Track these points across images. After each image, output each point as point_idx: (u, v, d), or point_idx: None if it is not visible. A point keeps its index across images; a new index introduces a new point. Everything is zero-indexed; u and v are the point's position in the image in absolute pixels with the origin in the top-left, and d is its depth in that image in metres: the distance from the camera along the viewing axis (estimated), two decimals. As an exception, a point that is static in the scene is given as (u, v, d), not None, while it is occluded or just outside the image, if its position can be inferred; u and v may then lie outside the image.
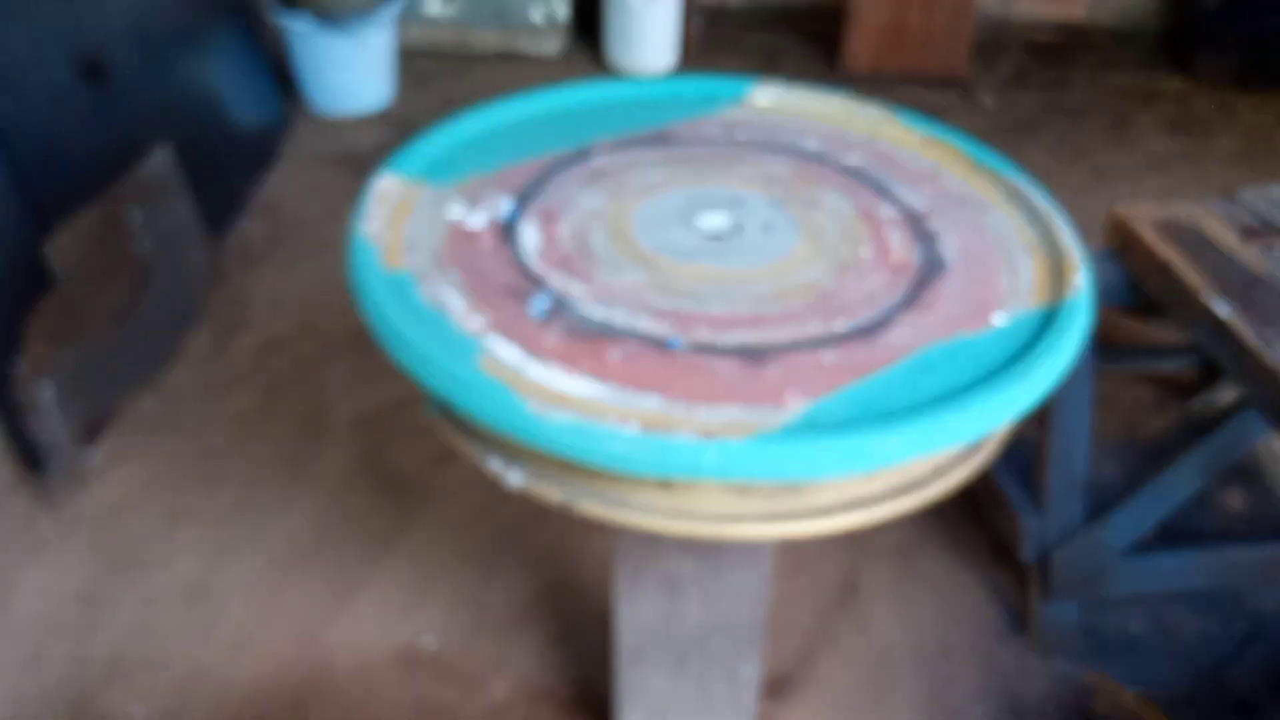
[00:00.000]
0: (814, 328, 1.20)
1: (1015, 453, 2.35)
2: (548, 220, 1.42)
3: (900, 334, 1.19)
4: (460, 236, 1.38)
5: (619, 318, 1.22)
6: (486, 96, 1.70)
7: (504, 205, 1.44)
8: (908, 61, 4.63)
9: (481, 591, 2.21)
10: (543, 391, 1.06)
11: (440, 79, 4.58)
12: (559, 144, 1.60)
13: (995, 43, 5.05)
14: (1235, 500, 2.47)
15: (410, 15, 4.62)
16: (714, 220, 1.42)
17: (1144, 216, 2.02)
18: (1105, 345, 2.77)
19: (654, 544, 1.46)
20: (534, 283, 1.29)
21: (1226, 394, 2.58)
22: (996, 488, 2.15)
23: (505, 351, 1.13)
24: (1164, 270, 1.88)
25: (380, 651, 2.08)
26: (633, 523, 1.13)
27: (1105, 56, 4.96)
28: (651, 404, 1.06)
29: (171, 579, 2.21)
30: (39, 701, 1.96)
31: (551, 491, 1.16)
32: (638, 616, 1.57)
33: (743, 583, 1.52)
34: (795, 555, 2.29)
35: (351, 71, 4.09)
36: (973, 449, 1.21)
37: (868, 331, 1.19)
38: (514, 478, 1.17)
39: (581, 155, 1.57)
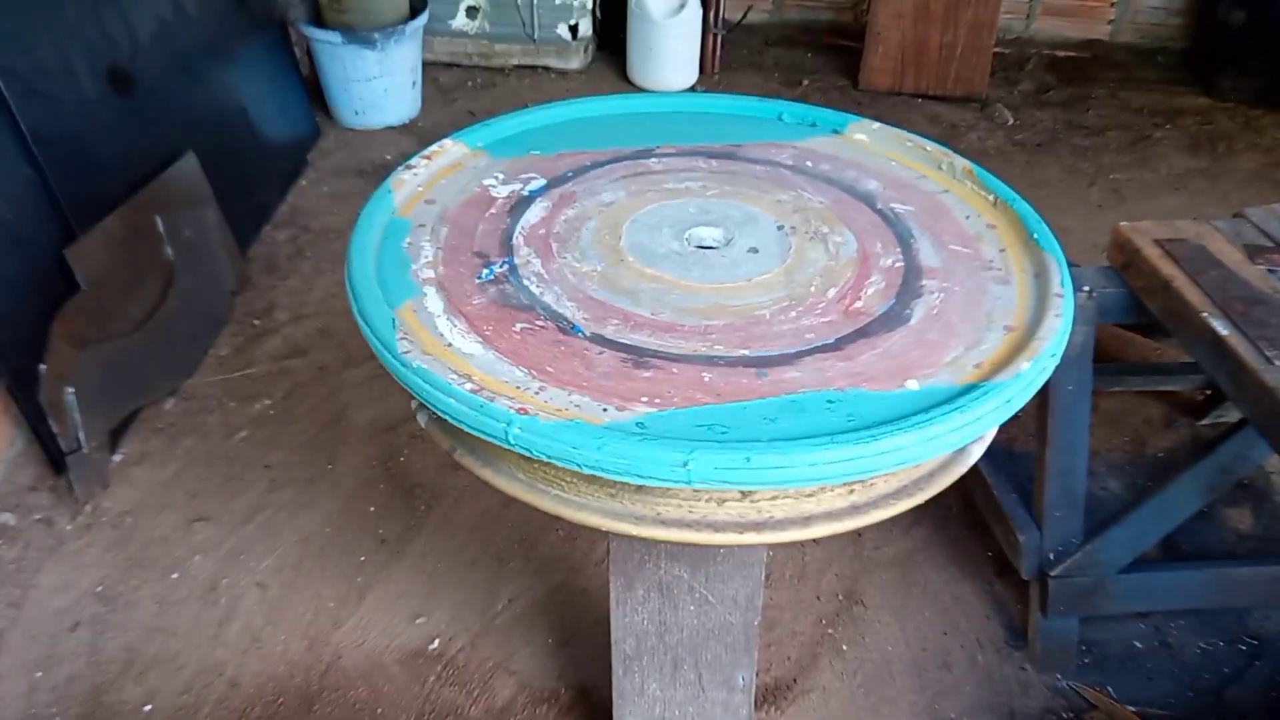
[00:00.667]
0: (717, 348, 1.22)
1: (1016, 467, 2.38)
2: (560, 203, 1.52)
3: (799, 373, 1.17)
4: (477, 201, 1.53)
5: (548, 297, 1.32)
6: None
7: (534, 183, 1.56)
8: (928, 78, 4.65)
9: (488, 596, 2.24)
10: (429, 341, 1.21)
11: (465, 92, 4.64)
12: (629, 142, 1.70)
13: (1016, 60, 5.06)
14: (1242, 519, 2.47)
15: (436, 30, 4.70)
16: (707, 234, 1.47)
17: (1147, 234, 2.03)
18: (1111, 363, 2.80)
19: (648, 551, 1.49)
20: (503, 252, 1.41)
21: (1237, 413, 2.58)
22: (997, 502, 2.16)
23: (432, 303, 1.29)
24: (1165, 288, 1.89)
25: (388, 652, 2.12)
26: (496, 484, 1.22)
27: (1127, 74, 4.96)
28: (513, 375, 1.16)
29: (187, 579, 2.26)
30: (53, 697, 2.01)
31: (442, 439, 1.27)
32: (632, 623, 1.60)
33: (736, 591, 1.55)
34: (796, 564, 2.31)
35: (378, 85, 4.16)
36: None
37: (766, 362, 1.20)
38: (420, 418, 1.28)
39: (641, 154, 1.66)
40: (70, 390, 2.34)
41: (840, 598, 2.25)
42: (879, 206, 1.53)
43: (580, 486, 1.16)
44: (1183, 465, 2.08)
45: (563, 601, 2.24)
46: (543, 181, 1.58)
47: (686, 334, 1.26)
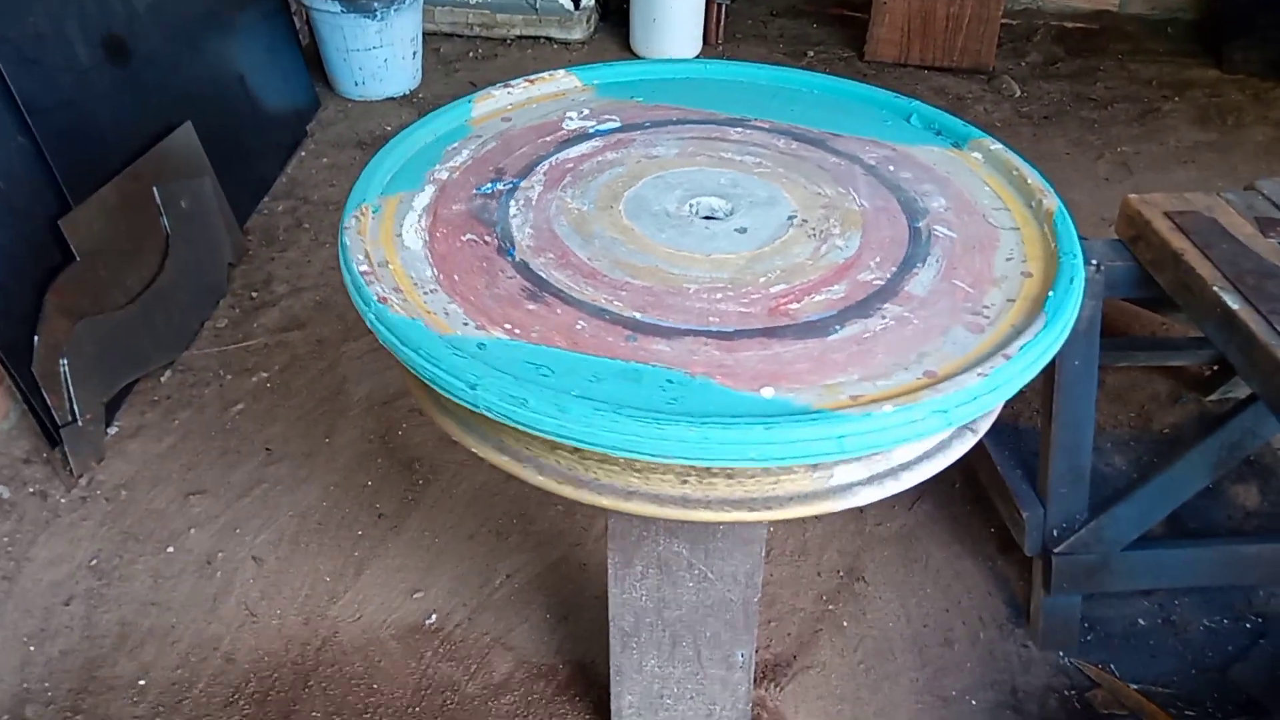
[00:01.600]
0: (615, 303, 1.23)
1: (1020, 443, 2.35)
2: (610, 146, 1.58)
3: (666, 348, 1.15)
4: (544, 128, 1.61)
5: (515, 220, 1.38)
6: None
7: (608, 124, 1.62)
8: (935, 50, 4.59)
9: (486, 570, 2.23)
10: (385, 226, 1.34)
11: (467, 63, 4.60)
12: (729, 109, 1.70)
13: (1024, 31, 5.00)
14: (1249, 496, 2.44)
15: (436, -1, 4.64)
16: (713, 204, 1.45)
17: (1157, 206, 1.99)
18: (1117, 337, 2.76)
19: (646, 527, 1.46)
20: (519, 174, 1.48)
21: (1245, 388, 2.55)
22: (1001, 478, 2.13)
23: (420, 198, 1.41)
24: (1175, 261, 1.86)
25: (384, 627, 2.10)
26: (446, 429, 1.27)
27: (1136, 45, 4.90)
28: (422, 273, 1.26)
29: (182, 552, 2.24)
30: (46, 671, 2.00)
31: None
32: (630, 599, 1.58)
33: (735, 567, 1.52)
34: (797, 540, 2.29)
35: (378, 55, 4.11)
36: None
37: (644, 329, 1.19)
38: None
39: (732, 123, 1.65)
40: (65, 362, 2.32)
41: (841, 574, 2.23)
42: (918, 224, 1.42)
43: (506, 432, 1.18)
44: (1189, 441, 2.05)
45: (561, 576, 2.22)
46: (616, 124, 1.62)
47: (600, 284, 1.27)
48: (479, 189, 1.43)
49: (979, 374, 1.08)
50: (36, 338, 2.27)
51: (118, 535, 2.27)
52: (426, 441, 2.53)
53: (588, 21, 4.78)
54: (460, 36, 4.78)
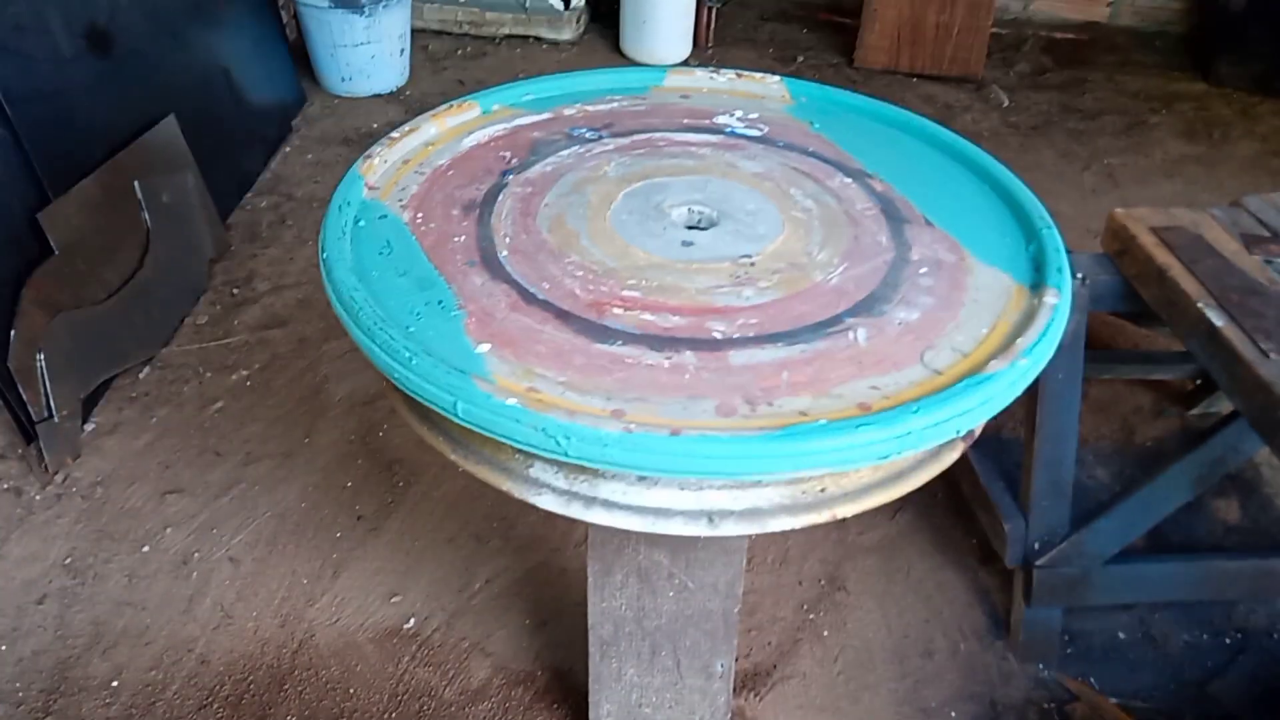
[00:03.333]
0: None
1: (1002, 455, 2.34)
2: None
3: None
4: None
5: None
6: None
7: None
8: (924, 58, 4.59)
9: (465, 575, 2.21)
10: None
11: (455, 61, 4.58)
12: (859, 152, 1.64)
13: (1013, 41, 5.01)
14: (1230, 511, 2.44)
15: (425, -4, 4.62)
16: (694, 208, 1.45)
17: (1143, 221, 1.99)
18: (1101, 350, 2.77)
19: (626, 536, 1.45)
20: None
21: (1228, 403, 2.56)
22: (983, 489, 2.13)
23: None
24: (1160, 276, 1.86)
25: (362, 631, 2.08)
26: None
27: (1125, 58, 4.92)
28: (406, 191, 1.46)
29: (158, 552, 2.22)
30: (17, 671, 1.97)
31: None
32: (610, 608, 1.57)
33: (716, 577, 1.51)
34: (779, 549, 2.28)
35: (365, 51, 4.09)
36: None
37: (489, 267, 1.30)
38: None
39: (846, 170, 1.56)
40: (41, 357, 2.29)
41: (822, 583, 2.22)
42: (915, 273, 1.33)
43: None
44: (1172, 456, 2.05)
45: (541, 582, 2.20)
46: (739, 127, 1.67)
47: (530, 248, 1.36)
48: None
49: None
50: (13, 332, 2.24)
51: (93, 534, 2.24)
52: (407, 443, 2.51)
53: (577, 22, 4.76)
54: (449, 34, 4.76)
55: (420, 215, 1.45)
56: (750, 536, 2.02)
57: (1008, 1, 5.17)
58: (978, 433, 1.20)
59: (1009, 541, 2.04)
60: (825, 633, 2.12)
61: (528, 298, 1.26)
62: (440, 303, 1.25)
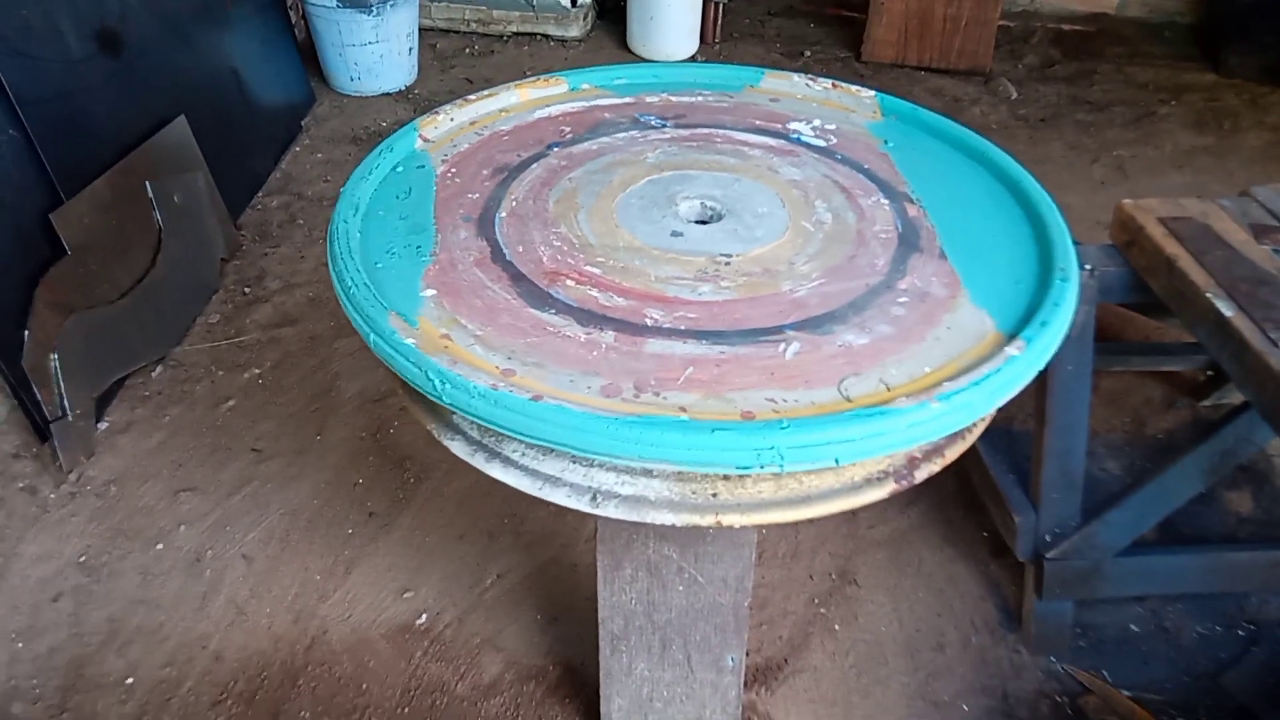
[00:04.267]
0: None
1: (1013, 447, 2.34)
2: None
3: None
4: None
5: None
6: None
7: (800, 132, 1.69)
8: (932, 51, 4.58)
9: (476, 570, 2.22)
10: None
11: (463, 59, 4.58)
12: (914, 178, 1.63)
13: (1021, 33, 5.00)
14: (1243, 502, 2.44)
15: (433, -6, 4.63)
16: (707, 203, 1.46)
17: (1151, 212, 1.99)
18: (1111, 342, 2.76)
19: (635, 530, 1.46)
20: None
21: (1240, 394, 2.55)
22: (993, 482, 2.13)
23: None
24: (1169, 267, 1.85)
25: (374, 627, 2.09)
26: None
27: (1133, 49, 4.90)
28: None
29: (171, 550, 2.23)
30: (33, 668, 1.98)
31: None
32: (620, 602, 1.57)
33: (725, 571, 1.52)
34: (789, 543, 2.28)
35: (373, 50, 4.10)
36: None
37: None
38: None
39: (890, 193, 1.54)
40: (55, 357, 2.30)
41: (833, 577, 2.23)
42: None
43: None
44: (1183, 448, 2.05)
45: (552, 577, 2.21)
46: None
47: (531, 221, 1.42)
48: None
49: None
50: (26, 333, 2.25)
51: (107, 532, 2.26)
52: (418, 439, 2.52)
53: (584, 19, 4.77)
54: (457, 33, 4.77)
55: (453, 170, 1.54)
56: (761, 530, 2.02)
57: (1016, -6, 5.16)
58: (918, 478, 1.15)
59: (1019, 534, 2.03)
60: (836, 626, 2.12)
61: (496, 256, 1.33)
62: (418, 247, 1.36)
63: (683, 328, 1.20)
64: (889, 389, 1.10)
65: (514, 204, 1.46)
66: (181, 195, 2.86)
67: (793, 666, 2.04)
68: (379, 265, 1.31)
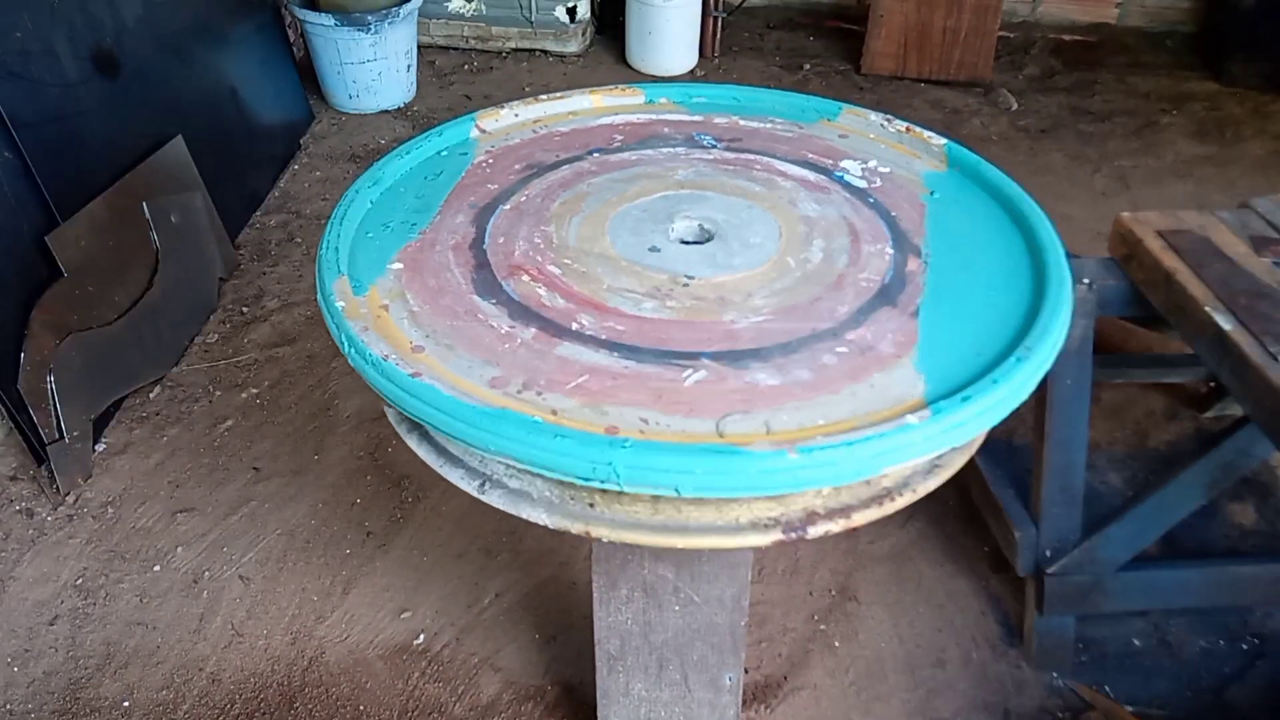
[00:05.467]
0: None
1: (1013, 461, 2.33)
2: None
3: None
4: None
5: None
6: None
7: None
8: (931, 63, 4.58)
9: (474, 590, 2.20)
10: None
11: (462, 76, 4.59)
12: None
13: (1021, 44, 4.99)
14: (1245, 515, 2.42)
15: (432, 12, 4.64)
16: (704, 225, 1.46)
17: (1150, 225, 1.98)
18: (1111, 354, 2.75)
19: (631, 551, 1.45)
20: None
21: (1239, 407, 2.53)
22: (993, 496, 2.11)
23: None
24: (1168, 281, 1.85)
25: (371, 648, 2.08)
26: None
27: (1135, 58, 4.89)
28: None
29: (169, 571, 2.22)
30: (29, 693, 1.98)
31: None
32: (616, 623, 1.56)
33: (721, 590, 1.50)
34: (789, 559, 2.27)
35: (371, 68, 4.11)
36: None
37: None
38: None
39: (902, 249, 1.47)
40: (52, 379, 2.30)
41: (833, 593, 2.21)
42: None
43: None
44: (1184, 461, 2.03)
45: (550, 596, 2.20)
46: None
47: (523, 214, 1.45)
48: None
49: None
50: (23, 354, 2.25)
51: (104, 554, 2.25)
52: (415, 459, 2.49)
53: (583, 34, 4.77)
54: (455, 49, 4.78)
55: (489, 161, 1.60)
56: (756, 550, 2.01)
57: (1015, 4, 5.15)
58: (811, 534, 1.11)
59: (1020, 549, 2.02)
60: (836, 643, 2.11)
61: (475, 244, 1.39)
62: (414, 225, 1.43)
63: (603, 337, 1.21)
64: (768, 432, 1.06)
65: (523, 199, 1.49)
66: (179, 215, 2.86)
67: (792, 684, 2.02)
68: (369, 235, 1.40)
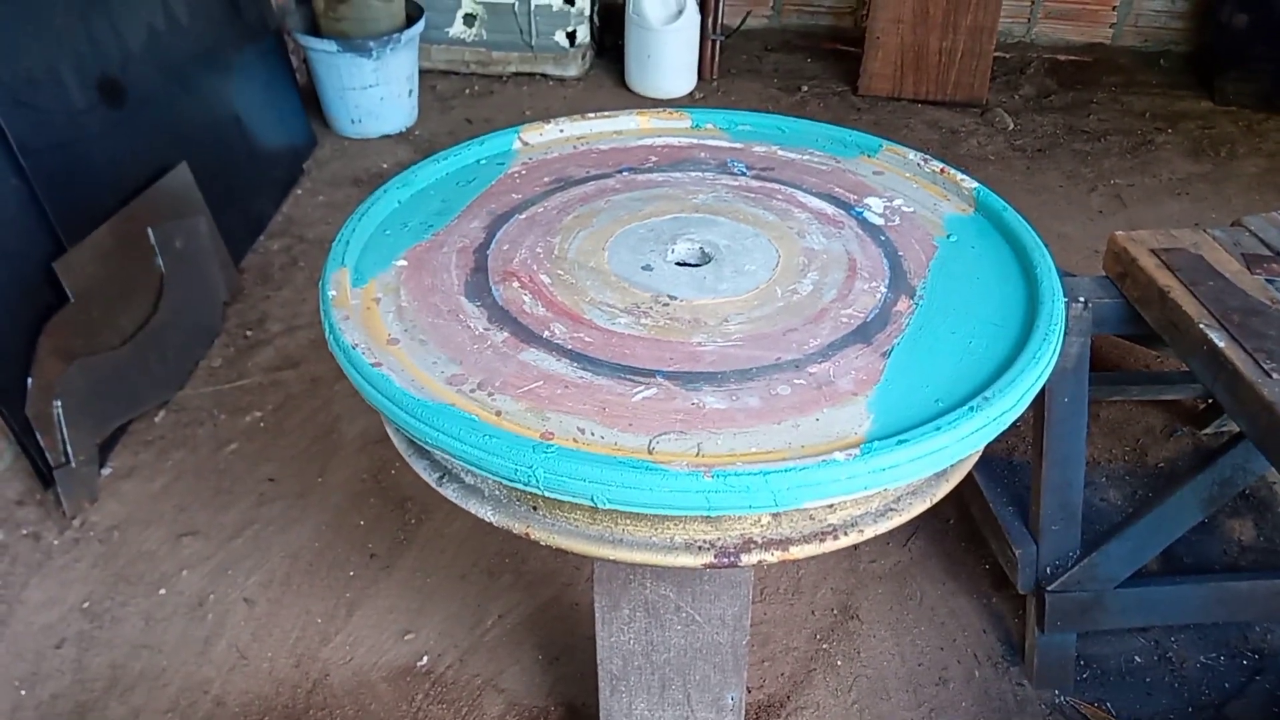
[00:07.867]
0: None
1: (1013, 479, 2.34)
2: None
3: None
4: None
5: (555, 202, 1.54)
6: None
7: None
8: (928, 84, 4.62)
9: (477, 611, 2.22)
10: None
11: (463, 100, 4.63)
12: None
13: (1017, 64, 5.03)
14: (1244, 531, 2.43)
15: (433, 38, 4.68)
16: (705, 248, 1.48)
17: (1144, 243, 2.00)
18: (1110, 371, 2.77)
19: (633, 571, 1.46)
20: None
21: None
22: (993, 514, 2.13)
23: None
24: (1162, 298, 1.87)
25: (376, 669, 2.09)
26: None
27: (1129, 78, 4.93)
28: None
29: (174, 594, 2.23)
30: (37, 715, 1.98)
31: None
32: (618, 643, 1.57)
33: (723, 610, 1.52)
34: (791, 579, 2.28)
35: (374, 93, 4.14)
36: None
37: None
38: None
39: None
40: (58, 403, 2.32)
41: (835, 612, 2.22)
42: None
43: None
44: (1182, 477, 2.05)
45: (554, 617, 2.21)
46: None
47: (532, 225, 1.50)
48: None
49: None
50: (30, 379, 2.27)
51: (110, 577, 2.27)
52: (419, 480, 2.51)
53: (583, 58, 4.81)
54: (456, 74, 4.82)
55: (522, 173, 1.65)
56: (754, 568, 2.02)
57: (1011, 25, 5.20)
58: (743, 562, 1.11)
59: (1020, 567, 2.03)
60: (839, 662, 2.12)
61: (479, 248, 1.44)
62: (430, 226, 1.49)
63: (568, 347, 1.24)
64: (698, 454, 1.07)
65: (539, 210, 1.53)
66: (184, 241, 2.88)
67: (795, 703, 2.03)
68: (386, 232, 1.47)
